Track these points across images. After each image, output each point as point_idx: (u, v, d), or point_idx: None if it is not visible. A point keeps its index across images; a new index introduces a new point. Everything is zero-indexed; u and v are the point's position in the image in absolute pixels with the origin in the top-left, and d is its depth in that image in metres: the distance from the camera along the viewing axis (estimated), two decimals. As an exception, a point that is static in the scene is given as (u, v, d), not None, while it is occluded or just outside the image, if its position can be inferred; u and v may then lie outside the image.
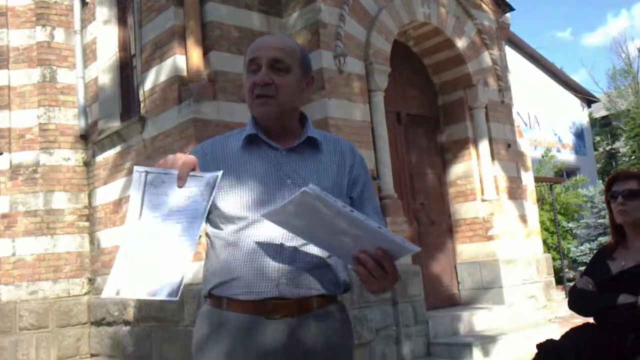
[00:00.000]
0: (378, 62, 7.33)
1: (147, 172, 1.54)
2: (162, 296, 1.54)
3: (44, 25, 8.33)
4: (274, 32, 7.16)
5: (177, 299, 1.54)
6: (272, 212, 1.61)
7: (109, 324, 7.43)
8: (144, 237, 1.53)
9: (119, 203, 7.56)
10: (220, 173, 1.59)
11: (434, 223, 8.32)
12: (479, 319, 7.55)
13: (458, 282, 8.38)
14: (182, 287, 1.54)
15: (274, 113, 1.83)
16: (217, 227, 1.80)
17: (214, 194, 1.57)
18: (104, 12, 8.31)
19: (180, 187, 1.54)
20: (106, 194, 7.84)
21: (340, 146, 1.93)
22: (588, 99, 24.45)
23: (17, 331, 7.50)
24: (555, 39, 67.35)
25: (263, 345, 1.71)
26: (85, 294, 7.98)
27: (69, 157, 8.20)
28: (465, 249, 8.42)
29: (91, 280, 8.03)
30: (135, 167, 1.54)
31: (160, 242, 1.53)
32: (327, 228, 1.58)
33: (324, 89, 6.76)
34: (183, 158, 1.57)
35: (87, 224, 8.16)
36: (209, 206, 1.56)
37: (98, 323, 7.64)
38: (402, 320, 6.70)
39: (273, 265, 1.72)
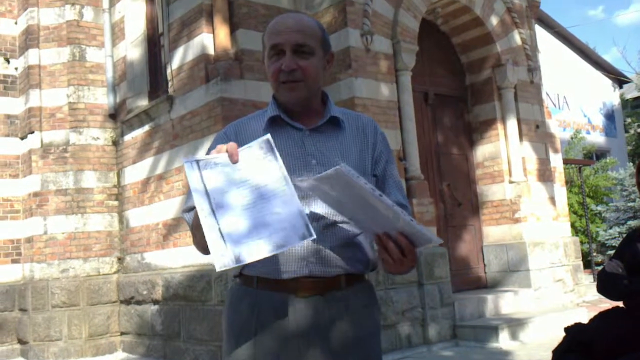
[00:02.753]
0: (406, 40, 7.25)
1: (197, 160, 1.56)
2: (294, 242, 1.51)
3: (73, 4, 8.37)
4: (300, 9, 7.11)
5: (315, 236, 1.51)
6: (307, 183, 1.62)
7: (138, 303, 7.54)
8: (225, 207, 1.52)
9: (147, 182, 7.64)
10: (268, 136, 1.61)
11: (460, 204, 8.26)
12: (506, 302, 7.51)
13: (484, 265, 8.34)
14: (309, 223, 1.51)
15: (302, 97, 1.83)
16: None
17: (276, 152, 1.58)
18: (131, -9, 8.33)
19: (235, 162, 1.56)
20: (135, 173, 7.93)
21: (362, 123, 1.93)
22: (619, 80, 23.93)
23: (50, 308, 7.66)
24: (586, 16, 65.94)
25: (292, 322, 1.73)
26: (115, 272, 8.10)
27: (98, 136, 8.29)
28: (492, 231, 8.35)
29: (120, 259, 8.15)
30: (184, 159, 1.56)
31: (248, 205, 1.52)
32: (355, 204, 1.60)
33: (351, 68, 6.71)
34: (224, 146, 1.60)
35: (116, 203, 8.26)
36: (280, 160, 1.57)
37: (127, 302, 7.77)
38: (428, 302, 6.70)
39: (302, 245, 1.72)
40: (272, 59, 1.82)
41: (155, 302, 7.24)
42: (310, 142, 1.82)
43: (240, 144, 1.67)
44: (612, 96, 23.51)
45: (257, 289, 1.77)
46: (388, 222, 1.58)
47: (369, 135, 1.91)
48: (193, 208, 1.80)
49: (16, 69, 8.61)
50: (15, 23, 8.70)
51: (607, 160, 18.57)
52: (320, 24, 1.92)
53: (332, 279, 1.76)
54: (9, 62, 8.59)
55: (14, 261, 8.16)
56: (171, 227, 7.16)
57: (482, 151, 8.54)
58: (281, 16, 1.89)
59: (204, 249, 1.79)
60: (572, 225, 13.21)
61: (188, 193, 1.88)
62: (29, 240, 8.02)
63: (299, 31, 1.80)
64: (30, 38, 8.32)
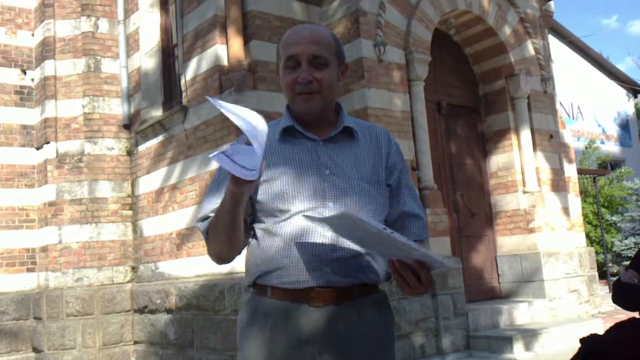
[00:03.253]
0: (418, 51, 7.26)
1: (222, 152, 1.56)
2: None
3: (88, 16, 8.48)
4: (313, 20, 7.16)
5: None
6: (314, 218, 1.66)
7: (152, 312, 7.57)
8: None
9: (161, 192, 7.68)
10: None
11: (474, 215, 8.23)
12: (520, 313, 7.46)
13: (498, 275, 8.29)
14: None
15: (318, 108, 1.84)
16: (259, 219, 1.81)
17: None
18: (146, 2, 8.41)
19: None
20: (149, 183, 7.98)
21: (376, 133, 1.94)
22: (634, 89, 23.80)
23: (64, 317, 7.70)
24: (600, 26, 65.63)
25: (306, 331, 1.73)
26: (129, 281, 8.14)
27: (112, 146, 8.36)
28: (506, 242, 8.31)
29: (134, 269, 8.18)
30: (211, 155, 1.57)
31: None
32: (367, 238, 1.63)
33: (364, 79, 6.73)
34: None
35: (130, 212, 8.31)
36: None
37: (141, 311, 7.79)
38: (441, 313, 6.67)
39: (316, 255, 1.73)
40: (287, 69, 1.83)
41: (168, 311, 7.26)
42: (323, 153, 1.83)
43: None
44: (626, 106, 23.39)
45: (271, 298, 1.78)
46: (402, 252, 1.60)
47: (383, 145, 1.92)
48: (207, 217, 1.82)
49: (32, 80, 8.71)
50: (32, 35, 8.81)
51: (622, 170, 18.46)
52: (335, 35, 1.93)
53: (346, 289, 1.76)
54: (25, 73, 8.70)
55: (29, 270, 8.22)
56: (185, 237, 7.19)
57: (495, 161, 8.51)
58: (296, 27, 1.91)
59: (218, 258, 1.82)
60: (587, 236, 13.12)
61: (202, 202, 1.90)
62: (44, 249, 8.08)
63: (314, 42, 1.82)
64: (46, 49, 8.43)
